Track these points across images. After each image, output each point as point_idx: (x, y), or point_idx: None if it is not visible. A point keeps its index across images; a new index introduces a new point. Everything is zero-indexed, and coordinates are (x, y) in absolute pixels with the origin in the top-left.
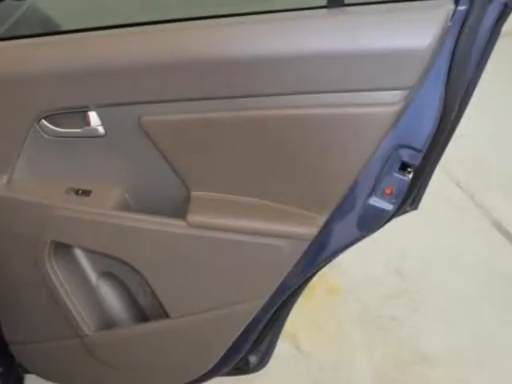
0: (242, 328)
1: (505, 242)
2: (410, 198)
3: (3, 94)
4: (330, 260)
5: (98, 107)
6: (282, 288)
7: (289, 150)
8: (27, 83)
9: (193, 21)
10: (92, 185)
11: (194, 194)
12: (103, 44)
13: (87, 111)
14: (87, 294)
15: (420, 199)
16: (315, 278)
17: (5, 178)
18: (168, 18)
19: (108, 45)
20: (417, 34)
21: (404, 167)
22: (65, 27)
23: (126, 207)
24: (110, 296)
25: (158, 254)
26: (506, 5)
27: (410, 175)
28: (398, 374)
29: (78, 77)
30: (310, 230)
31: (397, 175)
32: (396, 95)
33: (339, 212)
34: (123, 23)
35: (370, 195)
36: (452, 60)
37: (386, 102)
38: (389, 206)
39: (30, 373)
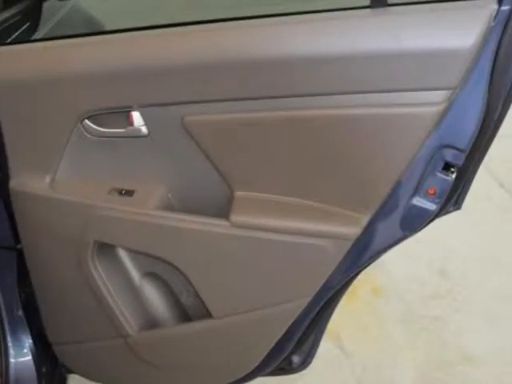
0: (286, 328)
1: None
2: (453, 198)
3: (47, 94)
4: (373, 260)
5: (141, 107)
6: (325, 288)
7: (332, 150)
8: (71, 83)
9: (236, 21)
10: (135, 185)
11: (237, 193)
12: (147, 44)
13: (130, 111)
14: (130, 294)
15: (463, 199)
16: (358, 278)
17: (48, 178)
18: (211, 18)
19: (152, 45)
20: (460, 34)
21: (447, 167)
22: (108, 27)
23: (169, 207)
24: (153, 296)
25: (201, 254)
26: None
27: (454, 175)
28: (441, 374)
29: (121, 77)
30: (354, 230)
31: (440, 175)
32: (439, 95)
33: (382, 212)
34: (167, 23)
35: (413, 195)
36: (495, 60)
37: (429, 102)
38: (432, 206)
39: (72, 373)
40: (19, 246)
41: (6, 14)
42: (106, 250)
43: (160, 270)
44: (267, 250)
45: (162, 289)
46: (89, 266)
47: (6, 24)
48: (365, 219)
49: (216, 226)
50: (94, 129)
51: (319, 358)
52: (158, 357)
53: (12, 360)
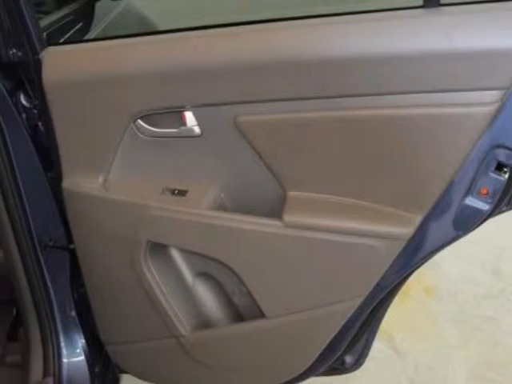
0: (339, 328)
1: None
2: (506, 198)
3: (100, 94)
4: (426, 260)
5: (194, 107)
6: (378, 288)
7: (386, 150)
8: (124, 83)
9: (288, 21)
10: (188, 185)
11: (289, 193)
12: (200, 44)
13: (183, 111)
14: (183, 294)
15: None
16: (411, 278)
17: (101, 178)
18: (264, 17)
19: (205, 45)
20: None
21: (500, 167)
22: (161, 27)
23: (221, 207)
24: (205, 296)
25: (254, 254)
26: None
27: (506, 175)
28: (494, 375)
29: (174, 77)
30: (407, 230)
31: (493, 175)
32: (492, 95)
33: (435, 212)
34: (219, 23)
35: (466, 195)
36: None
37: (482, 102)
38: (485, 206)
39: (125, 373)
40: (72, 246)
41: (59, 14)
42: (158, 249)
43: (213, 270)
44: (320, 250)
45: (215, 289)
46: (141, 266)
47: (59, 24)
48: (418, 219)
49: (269, 226)
50: (147, 129)
51: (372, 358)
52: (210, 357)
53: (65, 360)
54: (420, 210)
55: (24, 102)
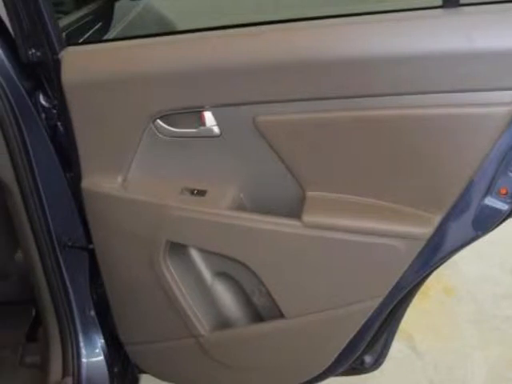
0: (358, 328)
1: None
2: None
3: (119, 94)
4: (445, 260)
5: (213, 107)
6: (397, 288)
7: (405, 150)
8: (143, 83)
9: (308, 21)
10: (207, 185)
11: (308, 193)
12: (219, 44)
13: (202, 111)
14: (202, 294)
15: None
16: (430, 278)
17: (120, 178)
18: (283, 17)
19: (223, 45)
20: None
21: None
22: (180, 27)
23: (241, 207)
24: (224, 296)
25: (274, 254)
26: None
27: None
28: None
29: (194, 77)
30: (426, 230)
31: None
32: (511, 95)
33: (454, 212)
34: (238, 23)
35: (485, 195)
36: None
37: (501, 102)
38: (504, 206)
39: (145, 373)
40: (91, 246)
41: (78, 14)
42: (177, 249)
43: (232, 270)
44: (339, 250)
45: (234, 289)
46: (161, 266)
47: (78, 24)
48: (437, 219)
49: (288, 226)
50: (166, 129)
51: (391, 358)
52: (229, 357)
53: (84, 360)
54: (439, 210)
55: (43, 101)
